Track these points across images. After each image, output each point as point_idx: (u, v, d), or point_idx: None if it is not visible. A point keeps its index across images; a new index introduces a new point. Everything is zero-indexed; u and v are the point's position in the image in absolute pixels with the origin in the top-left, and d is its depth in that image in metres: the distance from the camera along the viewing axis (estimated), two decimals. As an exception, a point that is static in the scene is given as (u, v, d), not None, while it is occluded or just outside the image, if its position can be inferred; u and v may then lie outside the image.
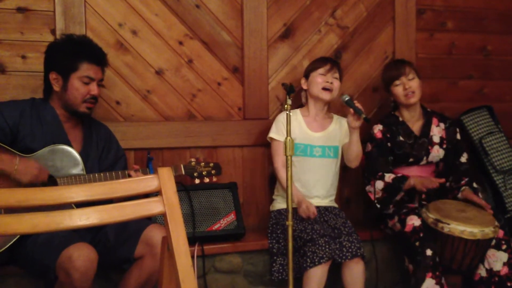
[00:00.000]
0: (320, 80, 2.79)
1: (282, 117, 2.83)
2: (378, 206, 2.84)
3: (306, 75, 2.87)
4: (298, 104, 2.98)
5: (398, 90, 2.90)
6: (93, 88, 2.35)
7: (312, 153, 2.81)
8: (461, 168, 2.94)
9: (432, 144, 2.92)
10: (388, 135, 2.92)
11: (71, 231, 2.06)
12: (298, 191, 2.74)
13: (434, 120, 2.98)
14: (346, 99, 2.60)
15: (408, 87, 2.87)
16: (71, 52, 2.33)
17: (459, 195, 2.86)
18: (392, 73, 2.93)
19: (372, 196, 2.85)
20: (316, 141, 2.82)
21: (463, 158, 2.97)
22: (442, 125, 2.98)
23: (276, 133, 2.82)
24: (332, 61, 2.87)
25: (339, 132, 2.88)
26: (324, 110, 2.89)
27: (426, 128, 2.95)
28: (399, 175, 2.82)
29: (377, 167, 2.85)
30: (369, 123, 2.47)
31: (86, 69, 2.33)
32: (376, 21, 3.28)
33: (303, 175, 2.80)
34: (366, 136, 2.97)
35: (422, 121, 2.98)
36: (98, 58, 2.39)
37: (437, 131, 2.95)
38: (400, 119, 2.97)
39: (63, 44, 2.37)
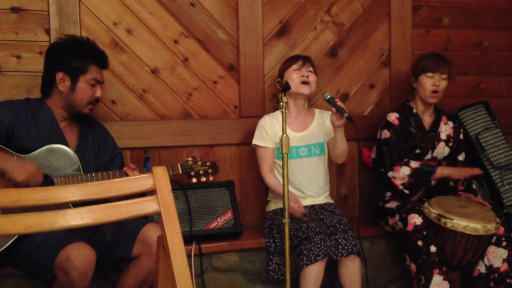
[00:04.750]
0: (295, 76, 2.77)
1: (263, 121, 2.82)
2: (407, 192, 2.82)
3: (281, 75, 2.85)
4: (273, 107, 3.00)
5: (427, 82, 2.89)
6: (98, 91, 2.40)
7: (298, 154, 2.79)
8: (458, 165, 2.97)
9: (439, 140, 2.94)
10: (403, 124, 2.92)
11: (68, 230, 2.05)
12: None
13: (443, 118, 3.01)
14: (328, 97, 2.53)
15: (438, 84, 2.88)
16: (81, 54, 2.36)
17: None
18: (432, 64, 2.91)
19: (397, 182, 2.83)
20: (300, 141, 2.80)
21: (461, 157, 3.01)
22: (450, 123, 3.01)
23: (260, 139, 2.80)
24: (303, 57, 2.85)
25: (323, 127, 2.85)
26: (305, 106, 2.87)
27: (436, 124, 2.98)
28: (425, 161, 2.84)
29: (401, 153, 2.85)
30: (352, 122, 2.43)
31: (95, 72, 2.38)
32: (371, 17, 3.28)
33: (293, 177, 2.77)
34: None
35: (433, 117, 3.01)
36: (104, 61, 2.46)
37: (444, 129, 2.98)
38: (414, 110, 2.97)
39: (71, 45, 2.38)
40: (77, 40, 2.42)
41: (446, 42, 3.46)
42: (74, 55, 2.34)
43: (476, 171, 2.87)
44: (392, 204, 2.86)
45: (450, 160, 2.98)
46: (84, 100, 2.37)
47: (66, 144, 2.34)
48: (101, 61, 2.44)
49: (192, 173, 2.56)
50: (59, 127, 2.37)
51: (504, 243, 2.68)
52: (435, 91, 2.88)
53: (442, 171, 2.83)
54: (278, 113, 2.85)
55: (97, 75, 2.39)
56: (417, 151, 2.91)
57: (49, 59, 2.40)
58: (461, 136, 3.04)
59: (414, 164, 2.81)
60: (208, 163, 2.61)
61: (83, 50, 2.37)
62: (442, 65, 2.90)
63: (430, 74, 2.89)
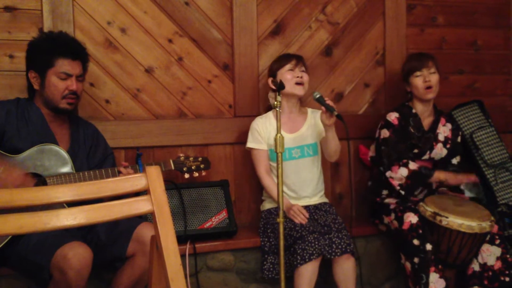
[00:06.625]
0: (289, 76, 2.73)
1: (255, 124, 2.80)
2: (403, 192, 2.82)
3: (273, 74, 2.80)
4: (265, 107, 2.99)
5: (418, 81, 2.90)
6: (71, 84, 2.32)
7: (291, 155, 2.77)
8: (450, 169, 2.96)
9: (437, 141, 2.94)
10: (402, 123, 2.92)
11: (63, 230, 2.05)
12: (285, 198, 2.65)
13: (442, 120, 3.01)
14: (317, 96, 2.52)
15: (428, 80, 2.88)
16: (47, 48, 2.31)
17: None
18: (415, 63, 2.93)
19: (394, 183, 2.83)
20: (293, 143, 2.78)
21: (455, 160, 3.01)
22: (449, 125, 3.01)
23: (253, 142, 2.78)
24: (297, 56, 2.82)
25: (315, 127, 2.82)
26: (298, 106, 2.85)
27: (435, 125, 2.98)
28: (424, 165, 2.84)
29: (400, 153, 2.85)
30: (342, 120, 2.42)
31: (62, 65, 2.30)
32: (366, 16, 3.28)
33: (288, 179, 2.75)
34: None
35: (432, 117, 3.01)
36: (73, 52, 2.34)
37: (443, 130, 2.98)
38: (414, 111, 2.97)
39: (40, 42, 2.35)
40: (48, 36, 2.38)
41: (441, 41, 3.47)
42: (41, 51, 2.31)
43: (472, 177, 2.88)
44: (391, 200, 2.86)
45: (444, 162, 2.98)
46: (56, 94, 2.30)
47: (56, 144, 2.32)
48: (69, 52, 2.31)
49: (185, 169, 2.57)
50: (49, 127, 2.35)
51: (497, 241, 2.69)
52: (428, 87, 2.88)
53: (438, 175, 2.83)
54: (270, 114, 2.84)
55: (67, 68, 2.30)
56: (415, 150, 2.92)
57: (26, 60, 2.38)
58: (459, 140, 3.04)
59: (413, 166, 2.81)
60: (200, 158, 2.62)
61: (49, 45, 2.32)
62: (425, 60, 2.91)
63: (418, 73, 2.90)
